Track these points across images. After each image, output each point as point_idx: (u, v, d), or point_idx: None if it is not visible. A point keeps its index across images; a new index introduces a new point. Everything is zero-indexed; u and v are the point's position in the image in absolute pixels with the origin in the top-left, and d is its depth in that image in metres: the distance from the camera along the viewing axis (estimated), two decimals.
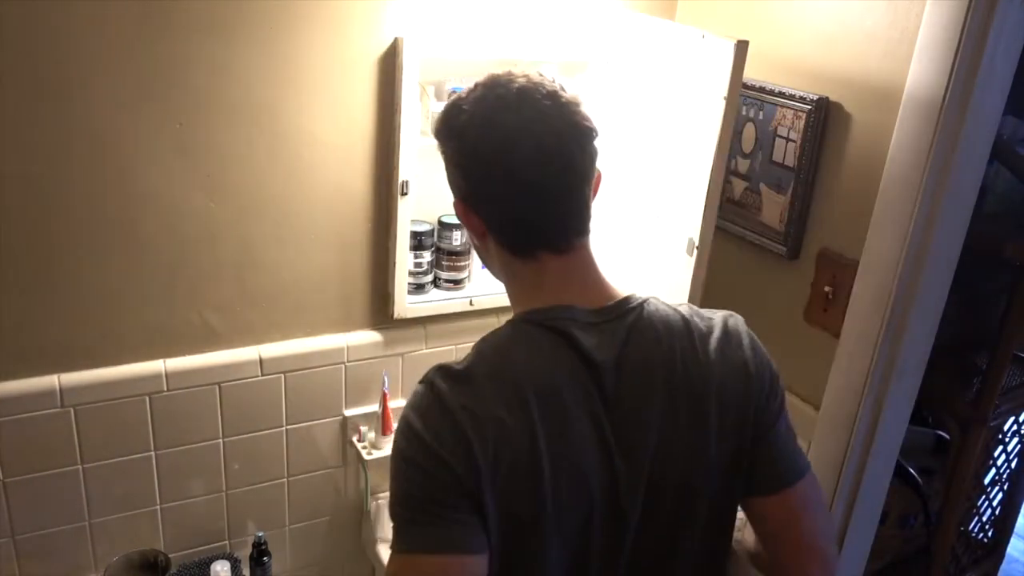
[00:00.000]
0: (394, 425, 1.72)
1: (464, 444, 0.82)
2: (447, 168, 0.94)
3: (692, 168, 1.41)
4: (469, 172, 0.91)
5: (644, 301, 0.94)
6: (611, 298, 0.93)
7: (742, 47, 1.28)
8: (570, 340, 0.88)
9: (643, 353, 0.90)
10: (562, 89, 0.91)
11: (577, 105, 0.90)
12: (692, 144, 1.42)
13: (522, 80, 0.90)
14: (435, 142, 0.96)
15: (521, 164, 0.87)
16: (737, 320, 0.97)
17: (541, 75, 0.91)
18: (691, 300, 1.41)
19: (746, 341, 0.95)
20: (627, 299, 0.93)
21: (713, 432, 0.92)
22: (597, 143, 0.92)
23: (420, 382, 0.88)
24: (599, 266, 0.95)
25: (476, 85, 0.92)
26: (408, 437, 0.85)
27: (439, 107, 1.54)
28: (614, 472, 0.89)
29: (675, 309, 0.95)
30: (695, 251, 1.39)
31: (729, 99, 1.30)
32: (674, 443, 0.90)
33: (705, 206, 1.37)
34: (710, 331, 0.94)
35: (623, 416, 0.89)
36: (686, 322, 0.93)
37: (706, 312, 0.98)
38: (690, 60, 1.40)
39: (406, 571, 0.84)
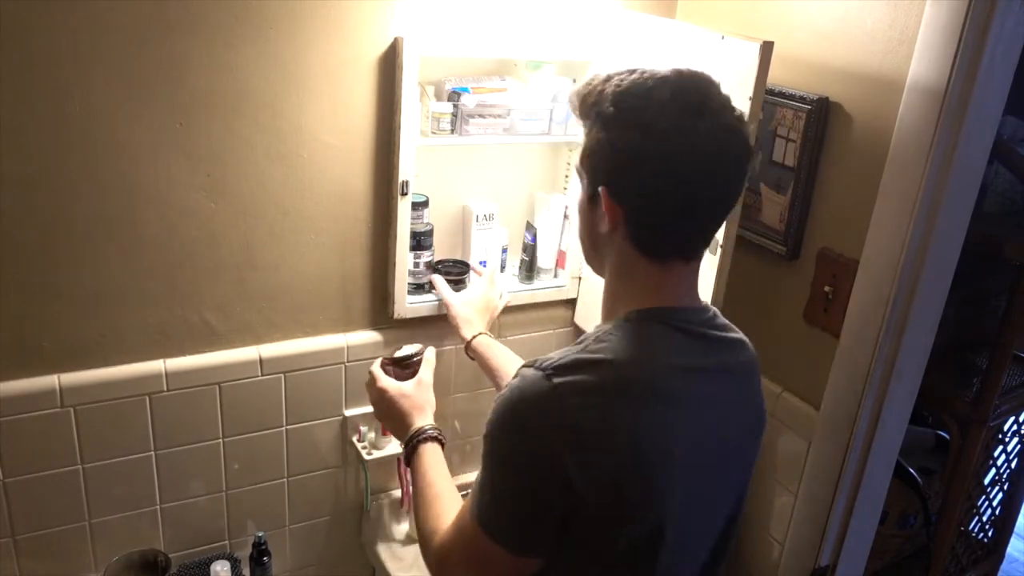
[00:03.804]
0: None
1: None
2: (598, 151, 0.89)
3: None
4: (637, 166, 0.86)
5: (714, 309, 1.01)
6: (701, 302, 0.98)
7: (767, 48, 1.30)
8: (699, 341, 0.93)
9: (737, 359, 0.98)
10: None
11: (746, 123, 0.89)
12: None
13: (704, 81, 0.88)
14: (577, 119, 0.92)
15: (701, 175, 0.85)
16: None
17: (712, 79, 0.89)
18: (715, 297, 1.43)
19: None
20: (707, 305, 0.99)
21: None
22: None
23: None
24: None
25: (661, 78, 0.87)
26: None
27: (439, 107, 1.55)
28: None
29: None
30: (719, 249, 1.40)
31: (755, 98, 1.32)
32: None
33: None
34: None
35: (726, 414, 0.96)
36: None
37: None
38: (707, 61, 1.40)
39: None
